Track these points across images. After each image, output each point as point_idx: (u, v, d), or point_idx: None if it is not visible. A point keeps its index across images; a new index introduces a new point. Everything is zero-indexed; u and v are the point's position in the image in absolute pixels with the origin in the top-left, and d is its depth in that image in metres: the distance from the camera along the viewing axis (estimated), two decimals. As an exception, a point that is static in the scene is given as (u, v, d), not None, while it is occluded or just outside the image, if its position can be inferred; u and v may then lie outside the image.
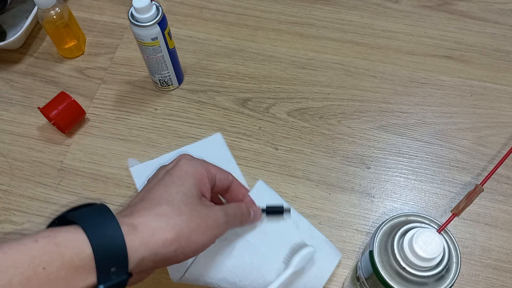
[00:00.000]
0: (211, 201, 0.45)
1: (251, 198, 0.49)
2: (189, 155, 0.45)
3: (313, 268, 0.49)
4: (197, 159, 0.45)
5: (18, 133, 0.65)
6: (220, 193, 0.48)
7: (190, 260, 0.47)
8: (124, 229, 0.36)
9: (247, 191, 0.49)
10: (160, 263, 0.38)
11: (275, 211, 0.49)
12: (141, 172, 0.59)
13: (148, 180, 0.45)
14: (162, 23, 0.58)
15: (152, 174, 0.49)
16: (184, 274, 0.48)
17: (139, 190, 0.56)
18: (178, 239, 0.38)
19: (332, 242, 0.52)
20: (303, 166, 0.62)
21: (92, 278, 0.34)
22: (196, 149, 0.60)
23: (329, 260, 0.50)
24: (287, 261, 0.47)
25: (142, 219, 0.38)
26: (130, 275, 0.36)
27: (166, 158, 0.60)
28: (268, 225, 0.49)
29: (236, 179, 0.48)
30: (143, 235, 0.36)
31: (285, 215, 0.50)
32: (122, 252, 0.35)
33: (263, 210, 0.49)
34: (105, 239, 0.35)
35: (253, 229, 0.49)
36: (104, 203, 0.38)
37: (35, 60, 0.72)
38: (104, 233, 0.35)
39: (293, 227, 0.50)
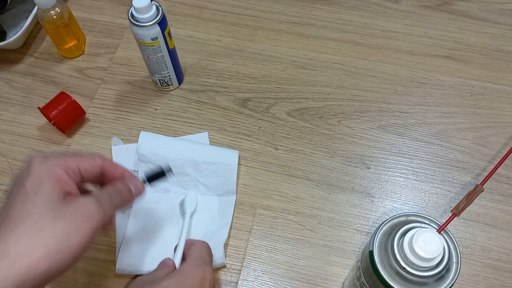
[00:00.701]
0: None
1: (129, 173, 0.46)
2: (41, 155, 0.41)
3: (220, 171, 0.57)
4: (51, 157, 0.41)
5: (18, 133, 0.65)
6: (94, 182, 0.45)
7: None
8: None
9: (123, 168, 0.46)
10: (37, 286, 0.36)
11: (156, 177, 0.49)
12: (121, 153, 0.62)
13: (6, 195, 0.41)
14: (162, 23, 0.58)
15: (129, 157, 0.54)
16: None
17: None
18: (46, 258, 0.35)
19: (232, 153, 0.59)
20: (303, 166, 0.62)
21: None
22: (203, 163, 0.60)
23: (229, 161, 0.58)
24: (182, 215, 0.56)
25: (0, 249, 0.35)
26: None
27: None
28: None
29: (106, 160, 0.45)
30: (4, 268, 0.34)
31: (168, 175, 0.50)
32: None
33: (144, 182, 0.48)
34: None
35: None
36: None
37: (35, 60, 0.72)
38: None
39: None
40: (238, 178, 0.60)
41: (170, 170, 0.50)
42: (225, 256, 0.55)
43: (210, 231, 0.56)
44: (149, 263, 0.53)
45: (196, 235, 0.55)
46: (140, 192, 0.46)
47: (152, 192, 0.58)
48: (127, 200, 0.45)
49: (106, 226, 0.47)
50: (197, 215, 0.57)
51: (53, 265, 0.36)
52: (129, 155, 0.61)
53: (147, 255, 0.54)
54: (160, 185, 0.58)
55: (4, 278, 0.34)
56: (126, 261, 0.53)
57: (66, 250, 0.37)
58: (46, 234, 0.36)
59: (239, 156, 0.60)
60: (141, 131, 0.60)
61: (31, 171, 0.39)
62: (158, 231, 0.56)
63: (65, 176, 0.40)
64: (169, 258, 0.50)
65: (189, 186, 0.58)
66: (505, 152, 0.50)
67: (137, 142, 0.60)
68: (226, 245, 0.56)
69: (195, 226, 0.56)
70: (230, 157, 0.59)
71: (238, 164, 0.60)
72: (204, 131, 0.64)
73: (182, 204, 0.57)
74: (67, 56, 0.72)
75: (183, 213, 0.57)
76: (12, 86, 0.70)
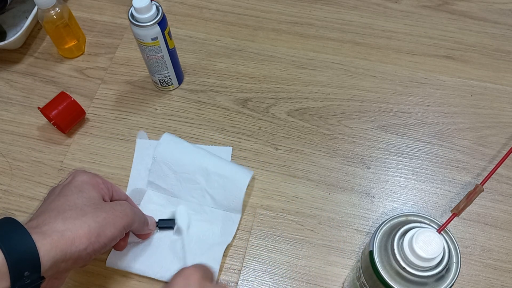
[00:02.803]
0: None
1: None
2: (83, 170, 0.49)
3: (228, 190, 0.56)
4: (92, 173, 0.49)
5: (18, 133, 0.65)
6: None
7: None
8: (34, 236, 0.39)
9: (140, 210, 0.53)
10: (71, 262, 0.41)
11: (167, 225, 0.55)
12: (144, 148, 0.63)
13: (46, 196, 0.47)
14: (162, 23, 0.58)
15: (151, 154, 0.58)
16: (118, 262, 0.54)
17: (134, 164, 0.61)
18: (87, 236, 0.42)
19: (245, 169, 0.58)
20: (303, 166, 0.62)
21: (5, 283, 0.36)
22: (215, 175, 0.59)
23: (241, 178, 0.57)
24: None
25: (49, 226, 0.41)
26: (43, 278, 0.39)
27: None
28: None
29: (130, 198, 0.53)
30: (53, 238, 0.40)
31: (175, 229, 0.56)
32: (34, 256, 0.38)
33: (156, 222, 0.55)
34: (16, 246, 0.37)
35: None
36: (11, 217, 0.40)
37: (35, 60, 0.72)
38: (15, 241, 0.38)
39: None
40: (247, 198, 0.59)
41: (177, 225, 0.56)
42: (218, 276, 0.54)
43: (208, 243, 0.55)
44: (139, 262, 0.53)
45: (191, 244, 0.55)
46: (151, 228, 0.54)
47: (159, 193, 0.58)
48: (142, 226, 0.51)
49: (118, 245, 0.51)
50: (197, 226, 0.56)
51: (92, 244, 0.42)
52: (151, 151, 0.61)
53: (139, 254, 0.54)
54: (169, 189, 0.58)
55: (54, 247, 0.39)
56: (118, 256, 0.54)
57: (102, 236, 0.43)
58: (89, 218, 0.43)
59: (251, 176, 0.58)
60: (165, 133, 0.60)
61: (75, 177, 0.47)
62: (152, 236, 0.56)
63: (102, 184, 0.48)
64: None
65: (196, 194, 0.57)
66: (505, 152, 0.50)
67: (156, 139, 0.61)
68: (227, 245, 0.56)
69: (193, 235, 0.55)
70: (243, 174, 0.57)
71: (239, 164, 0.60)
72: (229, 146, 0.63)
73: (175, 222, 0.56)
74: (67, 56, 0.72)
75: (178, 230, 0.55)
76: (12, 86, 0.70)
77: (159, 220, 0.55)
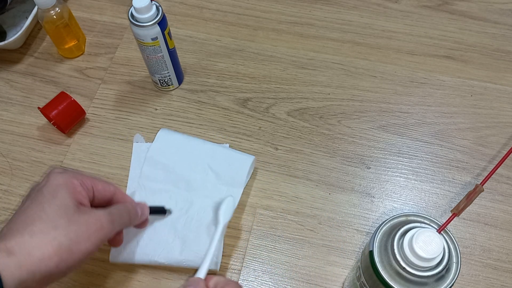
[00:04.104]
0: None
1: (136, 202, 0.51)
2: (60, 168, 0.46)
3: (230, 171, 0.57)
4: (69, 170, 0.45)
5: (18, 133, 0.65)
6: (103, 205, 0.48)
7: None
8: None
9: (131, 199, 0.51)
10: (44, 281, 0.38)
11: (157, 211, 0.54)
12: (141, 151, 0.62)
13: (22, 201, 0.44)
14: (162, 23, 0.58)
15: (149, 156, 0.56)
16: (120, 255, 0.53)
17: (131, 167, 0.61)
18: (58, 253, 0.38)
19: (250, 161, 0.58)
20: (303, 166, 0.62)
21: None
22: (220, 153, 0.59)
23: (245, 156, 0.58)
24: (215, 221, 0.53)
25: (16, 241, 0.37)
26: None
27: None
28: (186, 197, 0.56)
29: (118, 189, 0.49)
30: (19, 258, 0.36)
31: (166, 214, 0.55)
32: None
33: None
34: None
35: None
36: None
37: (35, 60, 0.72)
38: None
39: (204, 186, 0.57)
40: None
41: (170, 212, 0.55)
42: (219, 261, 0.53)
43: (207, 220, 0.54)
44: (141, 249, 0.53)
45: (192, 224, 0.54)
46: (145, 216, 0.51)
47: (159, 171, 0.58)
48: (134, 220, 0.49)
49: (114, 242, 0.50)
50: (199, 204, 0.56)
51: (63, 261, 0.38)
52: (147, 155, 0.61)
53: (139, 245, 0.53)
54: (170, 164, 0.58)
55: (19, 267, 0.36)
56: (119, 250, 0.53)
57: (75, 252, 0.39)
58: (60, 232, 0.39)
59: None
60: (161, 128, 0.61)
61: (49, 179, 0.43)
62: (150, 220, 0.55)
63: (79, 187, 0.43)
64: (199, 278, 0.47)
65: (199, 170, 0.58)
66: (505, 152, 0.50)
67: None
68: (226, 245, 0.56)
69: (194, 215, 0.55)
70: (247, 155, 0.59)
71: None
72: (226, 143, 0.63)
73: (217, 211, 0.54)
74: (67, 56, 0.72)
75: (216, 221, 0.53)
76: (12, 86, 0.70)
77: (149, 207, 0.53)
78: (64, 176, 0.43)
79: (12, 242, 0.37)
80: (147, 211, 0.52)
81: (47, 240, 0.38)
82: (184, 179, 0.58)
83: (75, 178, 0.44)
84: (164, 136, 0.60)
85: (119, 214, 0.46)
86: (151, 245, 0.53)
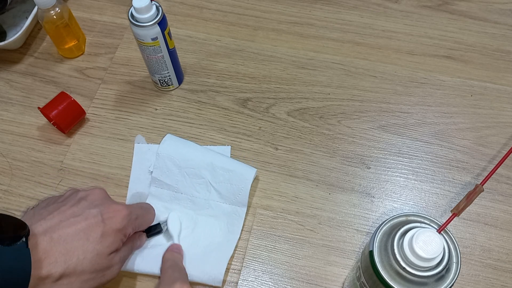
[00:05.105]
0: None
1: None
2: (124, 207, 0.48)
3: (233, 188, 0.57)
4: (129, 211, 0.48)
5: (18, 133, 0.65)
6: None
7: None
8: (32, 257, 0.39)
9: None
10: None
11: (153, 232, 0.55)
12: (143, 152, 0.62)
13: (66, 195, 0.48)
14: (162, 23, 0.58)
15: (149, 158, 0.59)
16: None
17: (133, 168, 0.61)
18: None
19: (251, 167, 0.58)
20: (303, 166, 0.62)
21: None
22: (220, 170, 0.59)
23: (246, 171, 0.57)
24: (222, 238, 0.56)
25: (48, 269, 0.41)
26: None
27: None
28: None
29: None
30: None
31: (163, 231, 0.56)
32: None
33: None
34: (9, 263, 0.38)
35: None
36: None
37: (35, 60, 0.72)
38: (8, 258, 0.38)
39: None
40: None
41: (165, 226, 0.56)
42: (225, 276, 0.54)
43: (216, 242, 0.55)
44: (139, 262, 0.53)
45: (200, 244, 0.55)
46: (142, 242, 0.54)
47: (163, 190, 0.58)
48: (134, 250, 0.53)
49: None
50: (203, 221, 0.56)
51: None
52: (149, 155, 0.61)
53: (138, 254, 0.54)
54: (173, 184, 0.58)
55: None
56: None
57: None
58: (79, 281, 0.43)
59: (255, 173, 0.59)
60: (168, 134, 0.60)
61: (109, 216, 0.46)
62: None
63: (125, 237, 0.48)
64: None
65: (201, 189, 0.57)
66: (505, 152, 0.50)
67: (154, 143, 0.62)
68: (226, 245, 0.56)
69: (201, 234, 0.56)
70: (248, 169, 0.57)
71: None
72: (228, 145, 0.63)
73: (166, 229, 0.56)
74: (67, 56, 0.72)
75: (169, 237, 0.55)
76: (12, 86, 0.70)
77: (146, 230, 0.55)
78: (126, 219, 0.47)
79: (47, 268, 0.41)
80: (144, 237, 0.54)
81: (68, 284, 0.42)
82: (188, 198, 0.58)
83: (130, 225, 0.48)
84: (165, 153, 0.58)
85: (125, 257, 0.50)
86: (155, 260, 0.53)
